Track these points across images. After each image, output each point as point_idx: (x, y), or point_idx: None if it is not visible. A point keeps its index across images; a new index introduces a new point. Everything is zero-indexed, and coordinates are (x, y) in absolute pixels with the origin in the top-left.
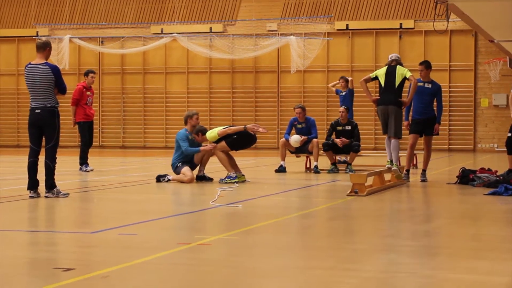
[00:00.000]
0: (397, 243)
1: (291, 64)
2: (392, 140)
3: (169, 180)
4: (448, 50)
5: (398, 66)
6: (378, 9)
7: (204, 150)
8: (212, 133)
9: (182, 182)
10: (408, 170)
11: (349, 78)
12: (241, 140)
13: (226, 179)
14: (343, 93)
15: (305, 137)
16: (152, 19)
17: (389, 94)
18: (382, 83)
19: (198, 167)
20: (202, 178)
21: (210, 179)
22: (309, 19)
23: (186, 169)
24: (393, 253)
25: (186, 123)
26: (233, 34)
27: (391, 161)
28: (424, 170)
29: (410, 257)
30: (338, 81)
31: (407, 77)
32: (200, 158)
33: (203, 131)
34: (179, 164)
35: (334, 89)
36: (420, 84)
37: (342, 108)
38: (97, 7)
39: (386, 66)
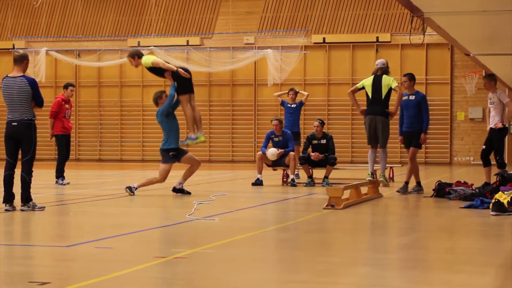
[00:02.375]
0: (373, 256)
1: (268, 77)
2: (380, 150)
3: (135, 188)
4: (425, 64)
5: (384, 76)
6: (355, 23)
7: (169, 68)
8: (148, 59)
9: (151, 183)
10: (407, 183)
11: (299, 91)
12: (185, 85)
13: (188, 140)
14: (292, 106)
15: (282, 150)
16: (129, 32)
17: (376, 105)
18: (369, 94)
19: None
20: (180, 191)
21: (188, 193)
22: (286, 32)
23: (166, 168)
24: (369, 266)
25: (157, 103)
26: (210, 47)
27: (372, 173)
28: (406, 183)
29: (386, 271)
30: (286, 92)
31: (393, 87)
32: (188, 160)
33: (139, 55)
34: (171, 154)
35: (280, 99)
36: (405, 98)
37: (316, 123)
38: (74, 20)
39: (373, 76)
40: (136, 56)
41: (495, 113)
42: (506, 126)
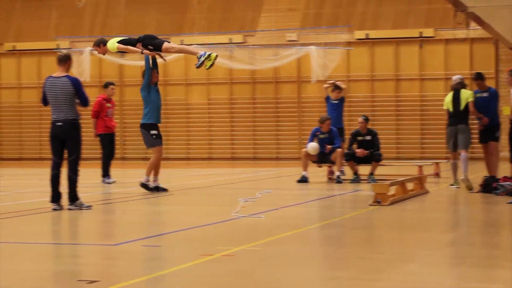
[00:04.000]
0: (420, 253)
1: (312, 74)
2: (462, 154)
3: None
4: (469, 58)
5: (462, 90)
6: (398, 18)
7: (134, 51)
8: (113, 45)
9: (154, 166)
10: (493, 177)
11: (336, 82)
12: (154, 44)
13: (201, 58)
14: (335, 101)
15: (330, 146)
16: (172, 30)
17: (456, 117)
18: (451, 109)
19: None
20: (156, 189)
21: (164, 190)
22: (328, 28)
23: (157, 152)
24: (415, 263)
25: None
26: (253, 44)
27: (465, 178)
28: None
29: (432, 267)
30: (333, 82)
31: (469, 101)
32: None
33: (104, 42)
34: (154, 135)
35: (326, 93)
36: (478, 95)
37: (361, 119)
38: (117, 19)
39: (452, 92)
40: (101, 43)
41: None
42: None
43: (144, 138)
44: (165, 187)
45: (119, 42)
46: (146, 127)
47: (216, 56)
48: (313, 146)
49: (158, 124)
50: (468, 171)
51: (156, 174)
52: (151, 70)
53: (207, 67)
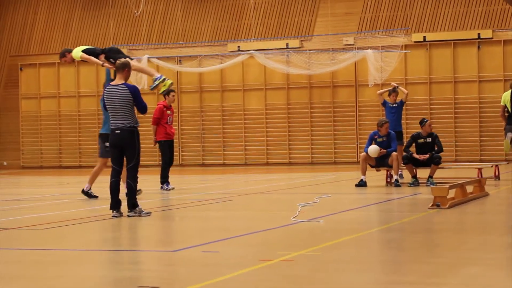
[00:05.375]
0: (481, 256)
1: (369, 77)
2: None
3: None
4: None
5: None
6: (456, 20)
7: (96, 63)
8: (77, 53)
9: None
10: None
11: (399, 87)
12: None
13: (156, 81)
14: (394, 105)
15: (384, 150)
16: (228, 36)
17: None
18: (509, 108)
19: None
20: (87, 194)
21: (95, 197)
22: (385, 32)
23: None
24: (477, 266)
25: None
26: (309, 49)
27: None
28: None
29: (494, 270)
30: (388, 90)
31: None
32: None
33: (68, 50)
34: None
35: (382, 98)
36: None
37: (429, 122)
38: (174, 27)
39: (510, 90)
40: (66, 52)
41: None
42: None
43: (99, 147)
44: (226, 193)
45: (83, 51)
46: (102, 137)
47: (171, 83)
48: (374, 148)
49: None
50: None
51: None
52: (110, 82)
53: (160, 91)
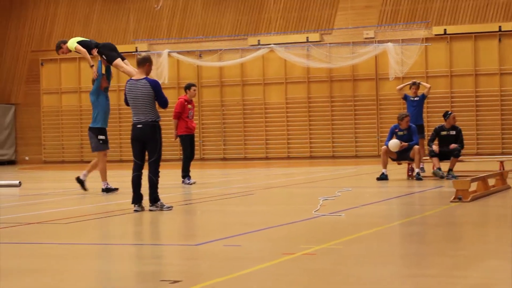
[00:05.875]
0: (503, 249)
1: (389, 71)
2: None
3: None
4: None
5: None
6: (476, 13)
7: (88, 61)
8: (72, 44)
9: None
10: None
11: (421, 83)
12: (111, 55)
13: None
14: (415, 99)
15: (405, 143)
16: (249, 30)
17: None
18: None
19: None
20: (80, 182)
21: (116, 189)
22: (406, 25)
23: (101, 158)
24: (499, 259)
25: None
26: (330, 43)
27: None
28: None
29: None
30: (408, 84)
31: None
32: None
33: (64, 41)
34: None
35: (402, 92)
36: None
37: (453, 114)
38: (194, 21)
39: None
40: (61, 43)
41: None
42: None
43: (90, 141)
44: (247, 187)
45: (79, 42)
46: (94, 131)
47: None
48: (394, 143)
49: (106, 128)
50: None
51: (89, 171)
52: (101, 76)
53: None
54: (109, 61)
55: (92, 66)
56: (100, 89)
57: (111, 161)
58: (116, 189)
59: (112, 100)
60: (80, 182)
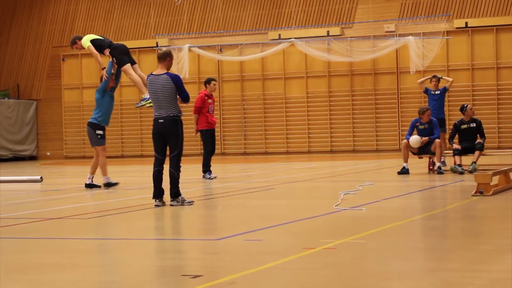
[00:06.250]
0: None
1: (410, 64)
2: None
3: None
4: None
5: None
6: (498, 5)
7: (98, 63)
8: (86, 43)
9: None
10: None
11: (443, 77)
12: (122, 59)
13: (142, 102)
14: (436, 92)
15: (426, 138)
16: (269, 25)
17: None
18: None
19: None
20: (90, 186)
21: (98, 186)
22: (427, 18)
23: (101, 152)
24: None
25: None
26: (350, 36)
27: None
28: None
29: None
30: (429, 78)
31: None
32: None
33: (79, 37)
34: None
35: (423, 86)
36: None
37: (470, 106)
38: (215, 16)
39: None
40: (76, 39)
41: None
42: None
43: (89, 136)
44: (268, 182)
45: (92, 41)
46: (92, 126)
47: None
48: (415, 139)
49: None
50: None
51: (92, 173)
52: (110, 76)
53: (145, 106)
54: (119, 65)
55: (103, 69)
56: (107, 88)
57: (112, 156)
58: (116, 183)
59: (132, 95)
60: (105, 184)
